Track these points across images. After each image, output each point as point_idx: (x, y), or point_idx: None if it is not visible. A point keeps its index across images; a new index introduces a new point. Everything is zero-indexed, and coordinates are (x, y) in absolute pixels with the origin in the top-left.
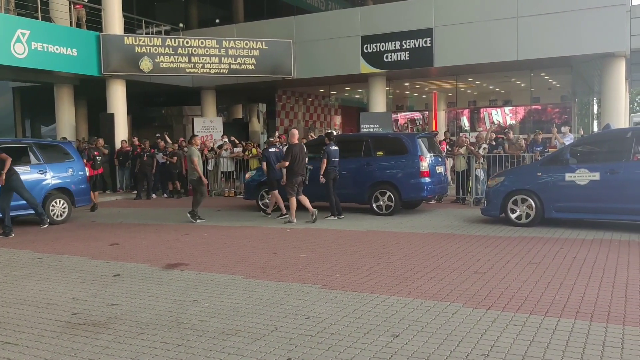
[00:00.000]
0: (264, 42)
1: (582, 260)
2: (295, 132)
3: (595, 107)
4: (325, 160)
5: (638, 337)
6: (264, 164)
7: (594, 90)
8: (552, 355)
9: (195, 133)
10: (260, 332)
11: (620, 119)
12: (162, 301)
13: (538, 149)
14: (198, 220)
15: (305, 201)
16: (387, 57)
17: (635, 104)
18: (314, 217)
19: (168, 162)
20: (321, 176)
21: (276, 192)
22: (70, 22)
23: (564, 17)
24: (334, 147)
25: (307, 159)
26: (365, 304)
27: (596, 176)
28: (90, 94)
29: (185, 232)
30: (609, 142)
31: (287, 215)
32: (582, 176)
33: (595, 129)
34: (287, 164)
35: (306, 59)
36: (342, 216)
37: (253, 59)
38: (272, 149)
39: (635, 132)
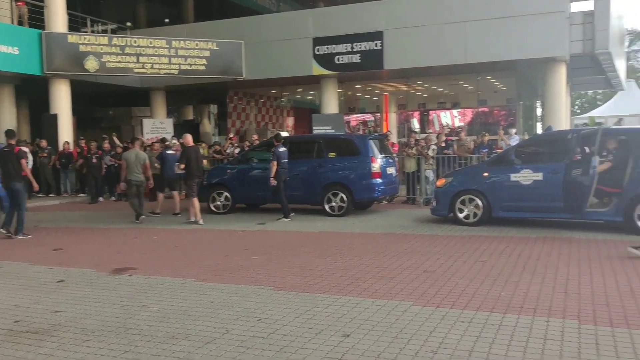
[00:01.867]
0: (214, 43)
1: (527, 257)
2: (189, 135)
3: (539, 110)
4: (276, 163)
5: (576, 330)
6: (156, 163)
7: (538, 94)
8: (497, 350)
9: (145, 134)
10: (211, 335)
11: (562, 121)
12: (109, 307)
13: (484, 150)
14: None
15: (197, 206)
16: (338, 59)
17: (576, 107)
18: (196, 223)
19: (116, 164)
20: (272, 178)
21: (162, 194)
22: (12, 20)
23: (509, 22)
24: (282, 149)
25: (203, 161)
26: (317, 304)
27: (539, 176)
28: (32, 94)
29: (134, 236)
30: (552, 144)
31: (195, 219)
32: (526, 176)
33: (539, 130)
34: (183, 166)
35: (258, 60)
36: (290, 217)
37: (204, 59)
38: (169, 152)
39: (575, 134)
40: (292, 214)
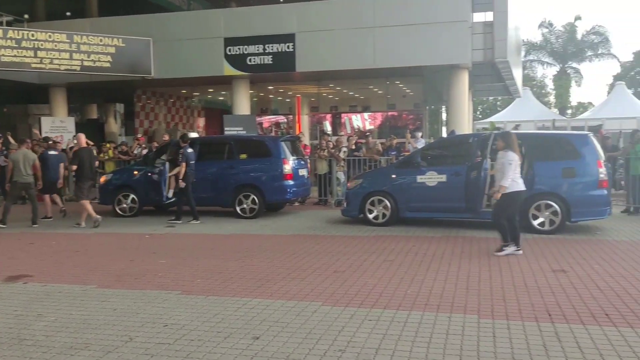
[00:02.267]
0: (120, 40)
1: (432, 256)
2: (82, 135)
3: (444, 115)
4: (185, 164)
5: (476, 324)
6: (37, 164)
7: (443, 99)
8: (402, 347)
9: (44, 134)
10: (113, 344)
11: (464, 126)
12: (1, 317)
13: (393, 153)
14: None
15: (89, 207)
16: (250, 60)
17: (478, 112)
18: (97, 223)
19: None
20: (180, 180)
21: (47, 196)
22: None
23: (416, 29)
24: (190, 150)
25: (97, 162)
26: (226, 307)
27: (443, 178)
28: None
29: (30, 241)
30: (455, 147)
31: (97, 221)
32: (431, 178)
33: (444, 134)
34: (75, 167)
35: (167, 58)
36: (182, 220)
37: (109, 56)
38: (52, 152)
39: (476, 138)
40: (181, 221)
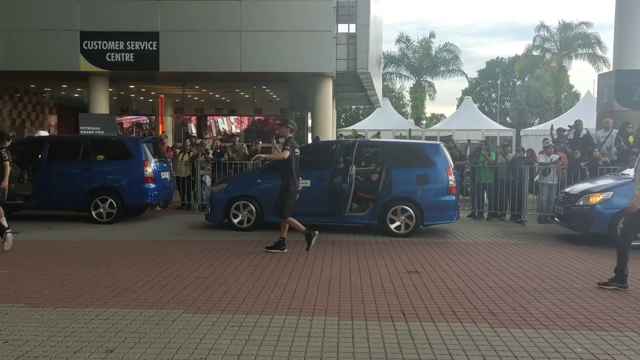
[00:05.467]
0: None
1: (295, 260)
2: None
3: (310, 121)
4: None
5: (336, 325)
6: None
7: (309, 106)
8: (265, 351)
9: None
10: None
11: (329, 133)
12: None
13: None
14: None
15: None
16: (110, 57)
17: (342, 120)
18: None
19: None
20: None
21: None
22: None
23: (282, 36)
24: None
25: None
26: (77, 320)
27: (308, 183)
28: None
29: None
30: (319, 153)
31: None
32: None
33: (310, 140)
34: None
35: (13, 49)
36: None
37: None
38: None
39: (339, 145)
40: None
